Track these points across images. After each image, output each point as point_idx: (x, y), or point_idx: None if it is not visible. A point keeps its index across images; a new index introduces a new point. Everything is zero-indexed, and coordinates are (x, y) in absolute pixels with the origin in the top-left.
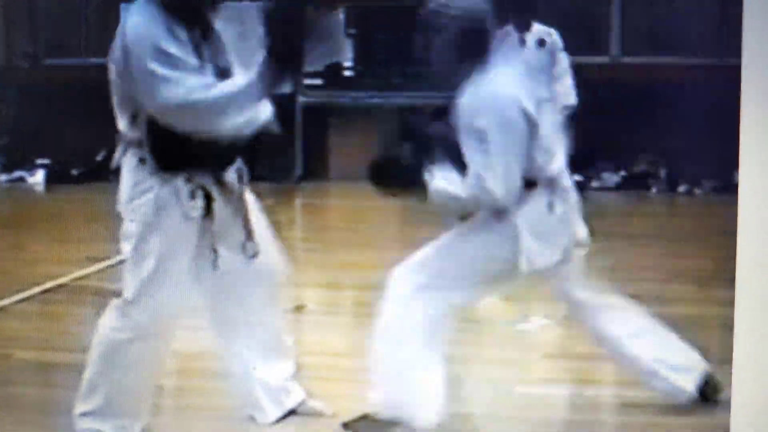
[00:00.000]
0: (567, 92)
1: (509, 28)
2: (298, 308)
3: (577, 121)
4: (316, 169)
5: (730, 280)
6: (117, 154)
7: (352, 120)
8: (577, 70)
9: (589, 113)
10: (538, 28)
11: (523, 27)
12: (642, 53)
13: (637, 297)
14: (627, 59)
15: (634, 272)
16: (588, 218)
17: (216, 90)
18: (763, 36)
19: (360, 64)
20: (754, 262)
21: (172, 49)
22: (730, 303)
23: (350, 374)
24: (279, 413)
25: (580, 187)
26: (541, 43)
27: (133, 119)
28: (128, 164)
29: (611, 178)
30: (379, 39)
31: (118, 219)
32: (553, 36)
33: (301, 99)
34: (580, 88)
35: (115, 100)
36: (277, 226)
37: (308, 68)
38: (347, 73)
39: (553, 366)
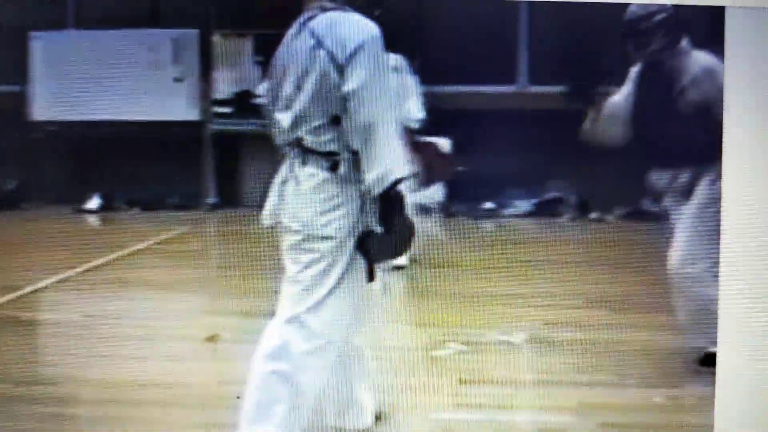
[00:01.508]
0: (415, 109)
1: None
2: (212, 338)
3: (490, 150)
4: (228, 197)
5: (645, 305)
6: (285, 168)
7: (262, 147)
8: (488, 100)
9: (500, 142)
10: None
11: None
12: (549, 82)
13: (553, 323)
14: (535, 88)
15: (549, 298)
16: (501, 245)
17: None
18: (745, 60)
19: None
20: (738, 275)
21: None
22: (645, 327)
23: None
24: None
25: (493, 214)
26: (394, 69)
27: (332, 122)
28: (309, 177)
29: (523, 205)
30: None
31: (30, 247)
32: (398, 61)
33: (210, 126)
34: (491, 117)
35: (300, 106)
36: (190, 255)
37: (218, 96)
38: (256, 100)
39: (468, 392)
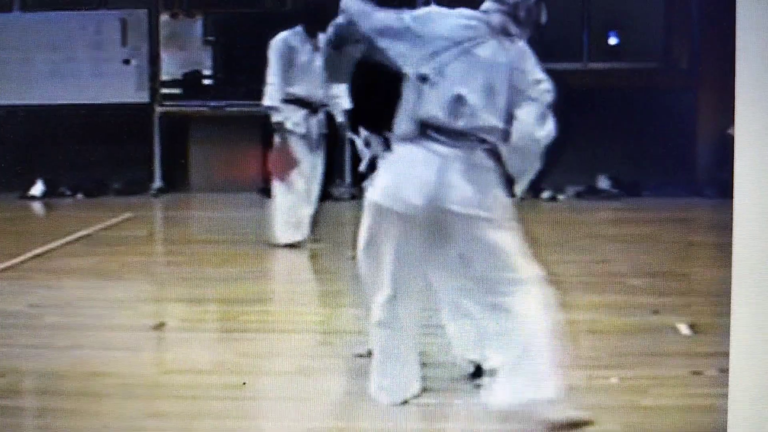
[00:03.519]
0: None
1: None
2: (159, 326)
3: None
4: (175, 181)
5: (593, 284)
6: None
7: (211, 129)
8: None
9: None
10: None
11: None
12: None
13: None
14: None
15: None
16: None
17: None
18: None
19: (219, 72)
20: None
21: None
22: (594, 308)
23: (212, 391)
24: None
25: None
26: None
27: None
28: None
29: None
30: (239, 46)
31: None
32: None
33: (158, 109)
34: None
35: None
36: (135, 241)
37: (166, 77)
38: (206, 81)
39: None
